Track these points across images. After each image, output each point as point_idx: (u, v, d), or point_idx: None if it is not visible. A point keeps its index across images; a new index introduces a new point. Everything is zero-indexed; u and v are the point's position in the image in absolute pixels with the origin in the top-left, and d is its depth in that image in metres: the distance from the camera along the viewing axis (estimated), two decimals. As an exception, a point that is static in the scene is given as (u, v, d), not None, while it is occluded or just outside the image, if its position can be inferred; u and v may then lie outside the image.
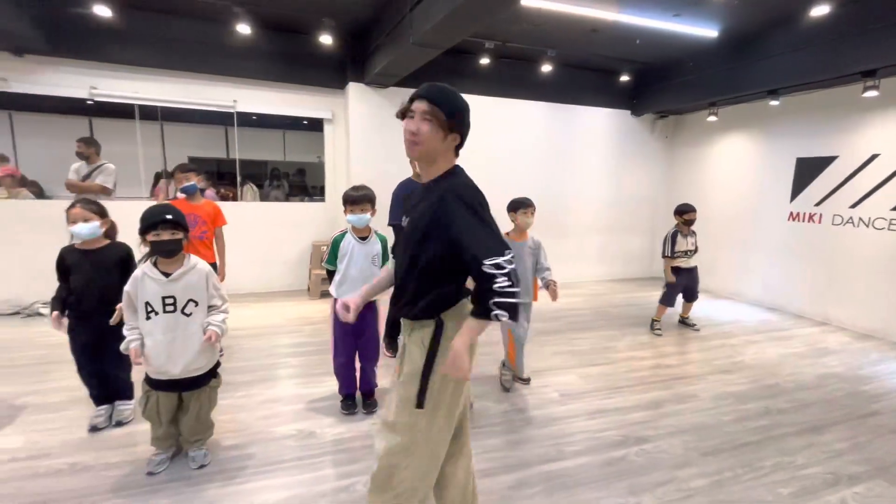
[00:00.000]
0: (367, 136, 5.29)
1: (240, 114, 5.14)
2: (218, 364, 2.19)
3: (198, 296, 2.01)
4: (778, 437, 2.56)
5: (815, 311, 4.92)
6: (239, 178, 5.86)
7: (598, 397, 3.00)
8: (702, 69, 5.26)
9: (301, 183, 8.01)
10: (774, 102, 4.93)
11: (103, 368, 2.37)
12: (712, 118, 5.74)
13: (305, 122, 6.18)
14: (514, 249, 2.83)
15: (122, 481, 2.03)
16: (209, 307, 2.06)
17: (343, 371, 2.66)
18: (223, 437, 2.37)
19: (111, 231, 2.41)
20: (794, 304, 5.12)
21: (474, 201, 1.36)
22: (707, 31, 4.55)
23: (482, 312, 1.27)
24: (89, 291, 2.26)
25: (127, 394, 2.52)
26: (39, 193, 4.97)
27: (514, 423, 2.64)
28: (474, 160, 5.72)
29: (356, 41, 5.08)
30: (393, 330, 3.62)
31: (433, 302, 1.43)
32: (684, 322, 4.60)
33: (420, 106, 1.40)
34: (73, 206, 2.27)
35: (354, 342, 2.63)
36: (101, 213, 2.32)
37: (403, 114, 1.46)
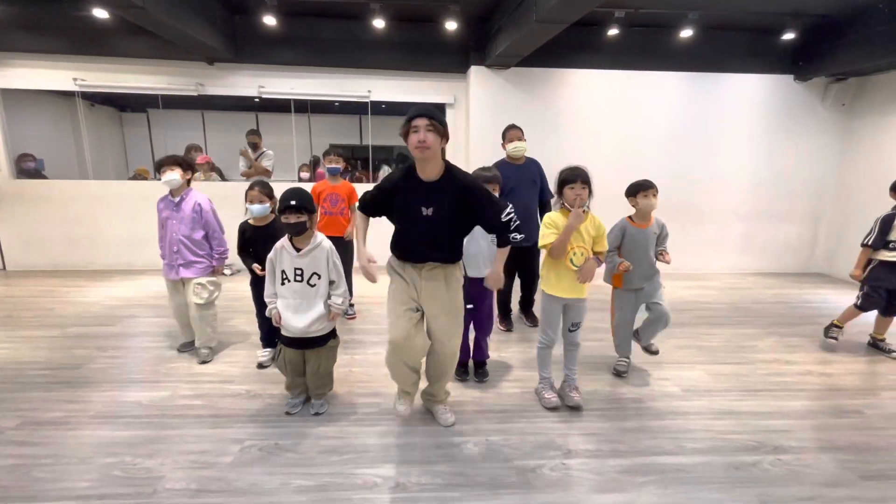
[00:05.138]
0: (485, 118, 5.37)
1: (372, 103, 5.64)
2: (335, 329, 2.49)
3: (321, 270, 2.33)
4: (979, 475, 2.06)
5: None
6: (374, 162, 6.46)
7: (728, 398, 2.73)
8: (902, 16, 4.23)
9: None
10: None
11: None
12: (915, 77, 4.58)
13: (428, 108, 6.51)
14: (637, 236, 2.72)
15: (278, 409, 2.49)
16: (330, 282, 2.36)
17: (458, 340, 2.83)
18: (356, 386, 2.75)
19: (275, 207, 2.89)
20: None
21: (484, 184, 2.17)
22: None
23: (505, 241, 2.09)
24: (262, 257, 2.76)
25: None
26: (221, 176, 6.13)
27: (626, 411, 2.56)
28: (601, 140, 5.53)
29: (479, 24, 5.17)
30: (507, 305, 3.73)
31: (459, 250, 2.18)
32: (876, 345, 3.48)
33: (422, 122, 1.85)
34: (251, 187, 2.78)
35: (471, 314, 2.77)
36: (270, 196, 2.81)
37: (406, 133, 1.90)
